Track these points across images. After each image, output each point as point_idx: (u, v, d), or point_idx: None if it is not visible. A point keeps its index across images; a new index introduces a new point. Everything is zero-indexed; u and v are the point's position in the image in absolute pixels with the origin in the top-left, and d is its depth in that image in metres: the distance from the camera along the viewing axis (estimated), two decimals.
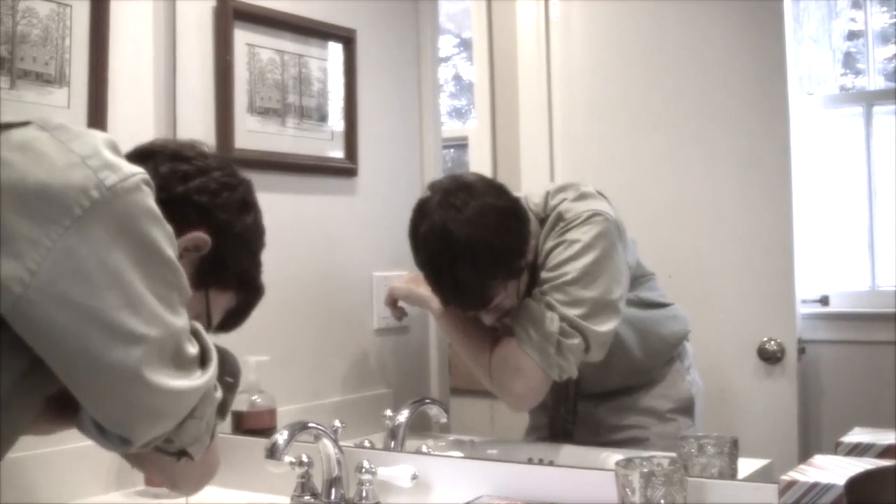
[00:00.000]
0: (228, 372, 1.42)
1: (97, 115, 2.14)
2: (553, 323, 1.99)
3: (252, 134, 2.36)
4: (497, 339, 2.10)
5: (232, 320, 1.63)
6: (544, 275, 2.05)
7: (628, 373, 2.13)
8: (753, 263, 2.23)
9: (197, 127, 2.32)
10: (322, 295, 2.49)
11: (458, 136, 2.87)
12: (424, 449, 2.21)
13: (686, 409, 2.17)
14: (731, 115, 2.24)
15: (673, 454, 1.76)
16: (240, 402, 2.22)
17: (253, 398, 2.20)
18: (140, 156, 1.45)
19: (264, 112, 2.39)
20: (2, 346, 1.17)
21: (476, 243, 1.97)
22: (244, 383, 2.20)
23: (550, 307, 2.00)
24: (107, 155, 1.19)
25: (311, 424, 1.90)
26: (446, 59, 2.88)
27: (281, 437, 1.84)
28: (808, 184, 2.25)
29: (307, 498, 1.96)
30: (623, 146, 2.35)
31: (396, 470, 1.90)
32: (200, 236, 1.47)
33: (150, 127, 2.30)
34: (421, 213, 2.06)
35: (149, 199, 1.20)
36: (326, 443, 1.93)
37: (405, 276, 2.33)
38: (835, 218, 2.29)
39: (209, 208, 1.50)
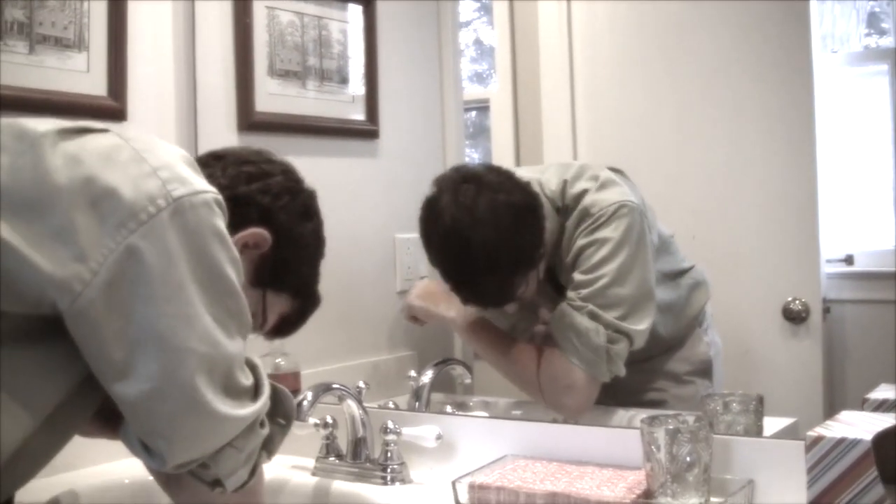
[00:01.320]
0: (282, 413, 1.42)
1: (117, 80, 2.13)
2: (599, 335, 1.97)
3: (272, 97, 2.35)
4: (534, 350, 2.09)
5: (286, 327, 1.63)
6: (578, 277, 2.02)
7: (649, 343, 2.12)
8: (778, 223, 2.22)
9: (217, 90, 2.31)
10: (345, 257, 2.48)
11: (479, 99, 2.86)
12: (448, 409, 2.22)
13: (704, 371, 2.17)
14: (754, 73, 2.23)
15: (698, 412, 1.76)
16: (264, 366, 2.23)
17: (277, 361, 2.21)
18: (212, 158, 1.52)
19: (284, 75, 2.38)
20: (59, 356, 1.19)
21: (494, 248, 1.95)
22: (268, 346, 2.22)
23: (594, 317, 1.98)
24: (179, 169, 1.21)
25: (335, 385, 1.90)
26: (466, 24, 2.87)
27: (305, 398, 1.84)
28: (833, 142, 2.24)
29: (332, 459, 1.96)
30: (646, 107, 2.34)
31: (421, 430, 1.91)
32: (261, 232, 1.48)
33: (171, 91, 2.30)
34: (431, 214, 2.03)
35: (217, 219, 1.22)
36: (351, 404, 1.93)
37: (420, 286, 2.34)
38: (859, 177, 2.28)
39: (270, 209, 1.51)
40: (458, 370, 2.32)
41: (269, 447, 1.38)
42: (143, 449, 1.26)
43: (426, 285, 2.31)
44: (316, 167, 2.39)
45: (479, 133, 2.92)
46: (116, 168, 1.17)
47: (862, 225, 2.26)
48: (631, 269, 2.00)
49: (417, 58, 2.69)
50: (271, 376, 2.19)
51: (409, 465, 1.90)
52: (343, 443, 1.96)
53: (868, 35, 2.39)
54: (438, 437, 1.89)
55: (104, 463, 2.06)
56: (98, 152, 1.19)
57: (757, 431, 1.81)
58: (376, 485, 1.88)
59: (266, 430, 1.34)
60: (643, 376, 2.17)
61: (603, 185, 2.06)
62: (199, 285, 1.19)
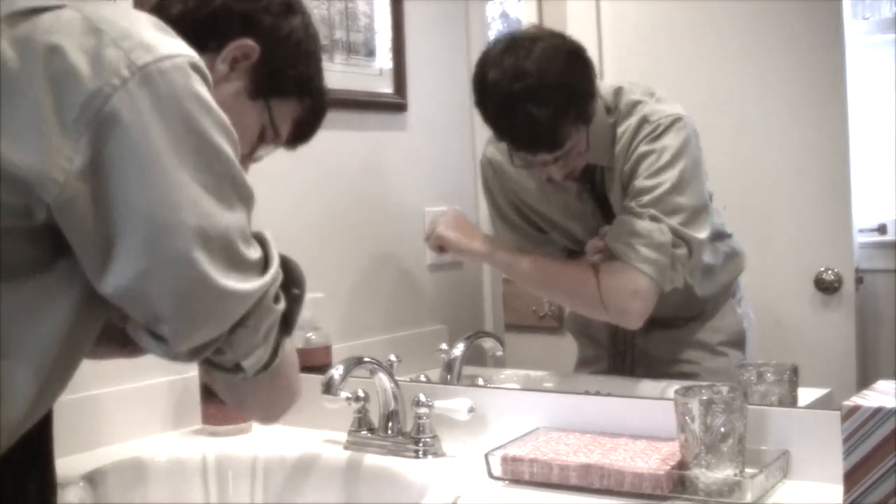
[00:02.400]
0: (295, 282, 1.32)
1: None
2: (664, 234, 1.97)
3: None
4: (587, 264, 2.08)
5: (303, 130, 1.58)
6: (640, 183, 2.01)
7: (681, 304, 2.11)
8: (810, 193, 2.20)
9: None
10: (374, 231, 2.48)
11: None
12: (480, 382, 2.21)
13: (737, 342, 2.16)
14: (785, 42, 2.21)
15: (732, 383, 1.75)
16: (295, 340, 2.23)
17: (308, 335, 2.21)
18: None
19: None
20: (58, 272, 1.13)
21: (549, 78, 1.94)
22: (300, 320, 2.22)
23: (656, 219, 1.98)
24: (143, 35, 1.11)
25: (366, 359, 1.90)
26: None
27: (336, 372, 1.84)
28: (865, 110, 2.22)
29: (364, 432, 1.96)
30: (676, 77, 2.32)
31: (453, 403, 1.90)
32: (246, 43, 1.43)
33: None
34: (486, 62, 2.01)
35: (194, 82, 1.12)
36: (382, 377, 1.93)
37: (449, 216, 2.29)
38: (891, 144, 2.26)
39: (251, 14, 1.45)
40: (490, 343, 2.32)
41: (287, 322, 1.30)
42: (152, 338, 1.19)
43: (455, 216, 2.27)
44: (344, 141, 2.40)
45: None
46: (72, 44, 1.07)
47: (895, 194, 2.24)
48: (691, 178, 2.01)
49: (444, 30, 2.68)
50: (303, 352, 2.23)
51: (441, 438, 1.90)
52: (375, 416, 1.96)
53: None
54: (471, 410, 1.89)
55: (138, 438, 2.07)
56: (51, 31, 1.08)
57: (791, 402, 1.80)
58: (409, 458, 1.88)
59: (282, 305, 1.27)
60: (675, 346, 2.17)
61: (659, 100, 2.07)
62: (180, 154, 1.10)
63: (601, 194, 2.14)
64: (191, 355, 1.21)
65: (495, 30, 2.80)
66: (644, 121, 2.04)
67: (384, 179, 2.49)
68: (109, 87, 1.06)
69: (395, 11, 2.54)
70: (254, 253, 1.20)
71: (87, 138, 1.05)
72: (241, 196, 1.18)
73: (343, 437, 1.98)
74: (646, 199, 1.99)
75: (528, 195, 2.23)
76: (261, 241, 1.24)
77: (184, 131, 1.10)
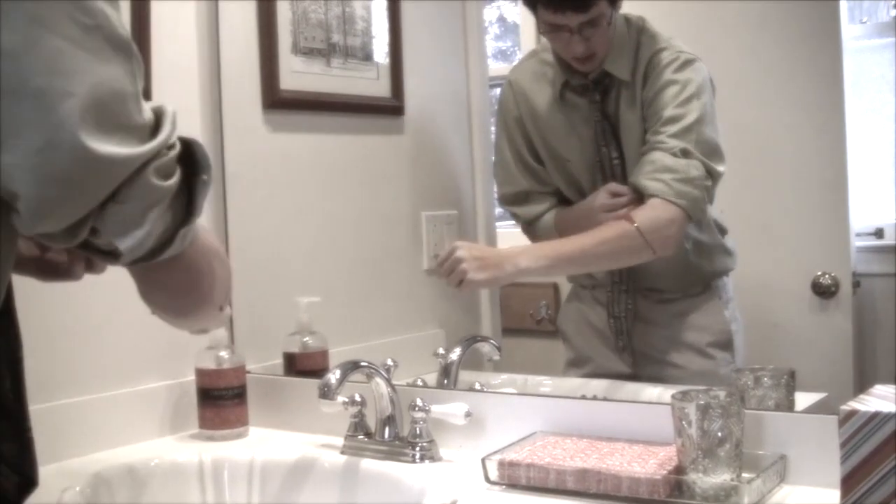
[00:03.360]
0: (203, 166, 1.13)
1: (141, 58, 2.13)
2: (698, 168, 2.02)
3: (297, 74, 2.35)
4: (618, 218, 2.08)
5: None
6: (668, 112, 2.06)
7: (671, 275, 2.16)
8: (806, 196, 2.20)
9: (241, 68, 2.31)
10: (372, 235, 2.48)
11: (504, 76, 2.85)
12: (477, 386, 2.21)
13: (724, 343, 2.16)
14: (782, 44, 2.21)
15: (729, 387, 1.75)
16: (292, 344, 2.23)
17: (305, 339, 2.21)
18: None
19: (309, 52, 2.37)
20: None
21: None
22: (296, 324, 2.22)
23: (687, 154, 2.02)
24: None
25: (363, 363, 1.90)
26: (490, 1, 2.85)
27: (333, 376, 1.84)
28: (862, 113, 2.22)
29: (361, 437, 1.96)
30: None
31: (450, 407, 1.90)
32: None
33: (195, 69, 2.30)
34: None
35: None
36: (379, 381, 1.92)
37: (466, 255, 2.15)
38: (889, 148, 2.26)
39: None
40: (487, 347, 2.32)
41: (188, 211, 1.12)
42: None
43: (472, 254, 2.17)
44: (341, 144, 2.41)
45: None
46: None
47: (892, 198, 2.24)
48: (712, 114, 2.07)
49: (442, 34, 2.68)
50: (300, 356, 2.22)
51: (438, 442, 1.90)
52: (372, 421, 1.96)
53: None
54: (468, 415, 1.88)
55: (135, 442, 2.07)
56: None
57: (788, 406, 1.80)
58: (406, 462, 1.88)
59: (172, 183, 1.08)
60: (663, 345, 2.17)
61: (673, 38, 2.15)
62: (32, 13, 0.96)
63: (611, 115, 2.17)
64: (66, 237, 1.05)
65: (492, 34, 2.80)
66: (665, 48, 2.11)
67: (382, 183, 2.49)
68: None
69: (392, 15, 2.54)
70: (137, 116, 1.04)
71: None
72: (118, 48, 1.03)
73: (340, 441, 1.98)
74: (674, 128, 2.04)
75: (539, 118, 2.27)
76: (158, 111, 1.08)
77: None
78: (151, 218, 1.07)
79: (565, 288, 2.39)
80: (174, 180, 1.08)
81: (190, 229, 1.13)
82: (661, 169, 2.02)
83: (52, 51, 0.97)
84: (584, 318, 2.28)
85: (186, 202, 1.12)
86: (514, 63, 2.37)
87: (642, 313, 2.20)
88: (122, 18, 1.04)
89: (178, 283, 1.21)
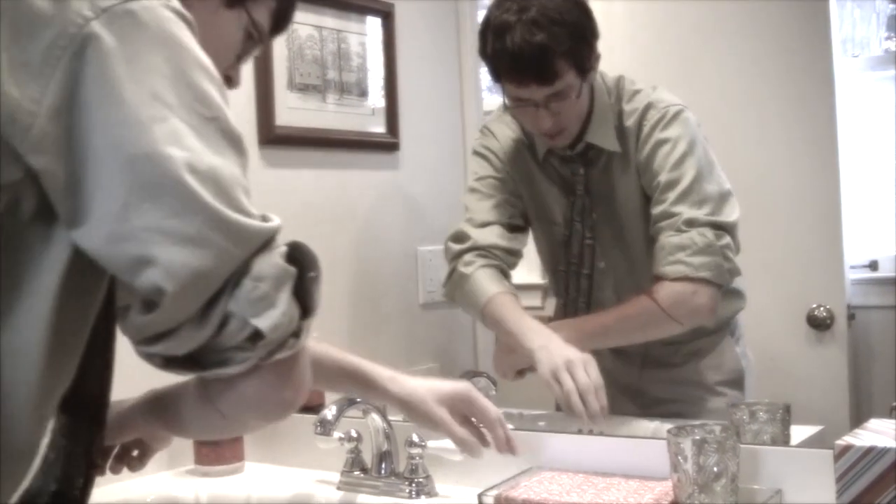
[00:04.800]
0: (311, 264, 1.10)
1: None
2: (705, 235, 1.96)
3: (293, 111, 2.36)
4: (641, 295, 2.03)
5: (280, 20, 1.50)
6: (663, 177, 2.01)
7: (680, 338, 2.10)
8: (801, 229, 2.21)
9: (237, 104, 2.29)
10: (367, 270, 2.49)
11: None
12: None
13: (736, 381, 2.15)
14: (775, 78, 2.23)
15: (725, 422, 1.75)
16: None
17: None
18: None
19: (304, 88, 2.38)
20: (38, 239, 1.03)
21: (549, 12, 1.94)
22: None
23: (691, 223, 1.97)
24: None
25: (359, 399, 1.90)
26: None
27: (329, 412, 1.84)
28: (855, 147, 2.23)
29: (357, 473, 1.96)
30: None
31: (447, 443, 1.89)
32: None
33: None
34: (495, 3, 2.02)
35: (166, 22, 1.04)
36: (375, 417, 1.92)
37: (501, 361, 2.19)
38: (883, 181, 2.27)
39: None
40: (483, 382, 2.31)
41: (305, 307, 1.07)
42: (141, 307, 1.02)
43: (502, 359, 2.19)
44: (337, 180, 2.41)
45: None
46: None
47: (886, 230, 2.25)
48: (710, 165, 2.02)
49: (437, 69, 2.69)
50: None
51: (434, 478, 1.90)
52: (368, 456, 1.95)
53: (888, 38, 2.39)
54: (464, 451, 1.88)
55: (130, 478, 2.06)
56: None
57: (784, 440, 1.80)
58: (402, 498, 1.87)
59: (293, 270, 1.06)
60: (674, 385, 2.16)
61: (656, 89, 2.10)
62: (156, 92, 1.00)
63: (599, 188, 2.13)
64: (178, 304, 1.00)
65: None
66: (650, 106, 2.06)
67: (376, 218, 2.50)
68: (74, 26, 0.99)
69: (387, 52, 2.55)
70: (249, 206, 1.04)
71: (56, 78, 0.98)
72: (231, 142, 1.06)
73: (336, 477, 1.97)
74: (673, 194, 1.99)
75: (527, 181, 2.22)
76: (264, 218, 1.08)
77: (157, 70, 1.02)
78: (283, 300, 1.04)
79: None
80: (293, 268, 1.06)
81: (309, 325, 1.09)
82: (672, 251, 1.97)
83: (176, 130, 1.00)
84: None
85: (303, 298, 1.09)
86: (492, 115, 2.31)
87: (653, 354, 2.17)
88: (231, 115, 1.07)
89: (289, 384, 1.12)
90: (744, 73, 2.26)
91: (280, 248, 1.05)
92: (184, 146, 1.00)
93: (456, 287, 2.18)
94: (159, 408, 1.36)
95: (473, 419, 1.75)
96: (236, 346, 1.03)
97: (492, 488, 1.71)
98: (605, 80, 2.11)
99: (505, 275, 2.17)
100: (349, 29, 2.48)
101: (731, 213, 2.00)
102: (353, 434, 1.96)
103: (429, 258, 2.55)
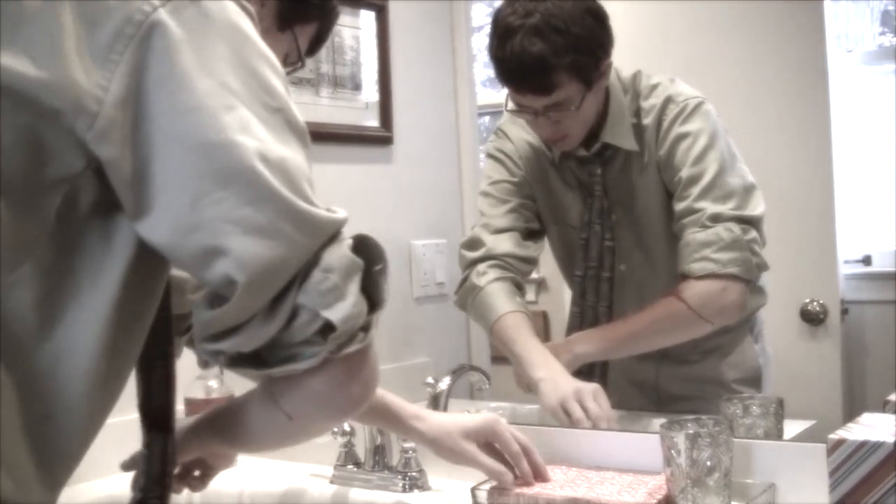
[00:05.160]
0: (377, 256, 1.09)
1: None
2: (732, 230, 1.94)
3: None
4: (666, 297, 2.01)
5: (317, 45, 1.58)
6: (686, 173, 1.98)
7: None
8: (794, 224, 2.21)
9: None
10: None
11: (493, 104, 2.86)
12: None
13: (753, 379, 2.13)
14: (769, 74, 2.23)
15: (718, 416, 1.75)
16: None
17: None
18: None
19: (297, 82, 2.37)
20: (105, 234, 1.02)
21: (555, 20, 1.91)
22: None
23: (715, 219, 1.94)
24: None
25: None
26: (479, 29, 2.86)
27: None
28: (849, 142, 2.23)
29: (350, 467, 1.95)
30: None
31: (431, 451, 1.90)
32: None
33: None
34: (500, 8, 2.00)
35: (231, 13, 1.04)
36: None
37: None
38: (876, 176, 2.27)
39: None
40: (476, 376, 2.31)
41: (373, 294, 1.06)
42: (210, 301, 1.01)
43: (522, 374, 2.08)
44: (330, 174, 2.41)
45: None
46: None
47: (880, 225, 2.26)
48: (731, 159, 1.99)
49: (430, 63, 2.69)
50: None
51: (427, 472, 1.89)
52: (361, 451, 1.95)
53: (882, 34, 2.39)
54: None
55: (120, 473, 2.05)
56: None
57: (777, 434, 1.80)
58: (395, 492, 1.87)
59: (361, 262, 1.05)
60: (690, 383, 2.14)
61: (674, 81, 2.07)
62: (225, 82, 1.00)
63: (617, 187, 2.11)
64: (251, 293, 0.98)
65: (481, 62, 2.82)
66: (669, 101, 2.03)
67: (370, 212, 2.49)
68: (141, 13, 0.98)
69: (381, 45, 2.55)
70: (314, 197, 1.04)
71: (123, 66, 0.97)
72: (297, 133, 1.05)
73: (329, 471, 1.97)
74: (696, 189, 1.97)
75: (543, 183, 2.20)
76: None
77: (224, 59, 1.01)
78: (353, 291, 1.02)
79: (554, 317, 2.40)
80: (361, 260, 1.05)
81: (377, 318, 1.08)
82: (698, 247, 1.95)
83: (245, 118, 0.99)
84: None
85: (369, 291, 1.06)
86: (505, 116, 2.25)
87: (671, 351, 2.12)
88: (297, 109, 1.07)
89: (358, 380, 1.10)
90: (738, 68, 2.26)
91: (347, 240, 1.05)
92: (254, 135, 0.99)
93: (467, 297, 2.17)
94: (220, 423, 1.35)
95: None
96: (305, 341, 1.01)
97: (485, 482, 1.71)
98: (621, 77, 2.08)
99: (519, 287, 2.15)
100: (343, 23, 2.47)
101: (756, 207, 1.97)
102: (347, 428, 1.96)
103: (422, 252, 2.55)
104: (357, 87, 2.51)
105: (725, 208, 1.95)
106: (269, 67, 1.05)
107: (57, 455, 1.05)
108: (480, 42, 2.83)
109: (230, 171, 0.98)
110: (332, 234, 1.03)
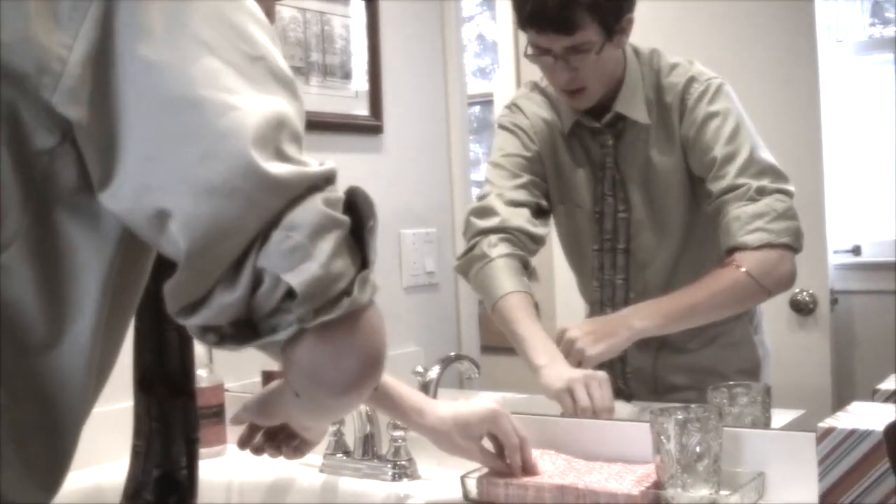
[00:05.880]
0: (367, 213, 1.00)
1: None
2: (782, 201, 1.94)
3: None
4: (720, 269, 1.97)
5: None
6: (719, 151, 1.97)
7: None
8: None
9: None
10: None
11: (483, 93, 2.86)
12: None
13: (752, 371, 2.13)
14: (759, 64, 2.23)
15: (706, 404, 1.75)
16: (271, 362, 2.22)
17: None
18: None
19: None
20: (82, 226, 0.96)
21: None
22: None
23: (762, 192, 1.94)
24: None
25: None
26: (469, 19, 2.86)
27: None
28: (839, 132, 2.23)
29: (340, 456, 1.95)
30: None
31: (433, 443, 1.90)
32: None
33: None
34: None
35: None
36: None
37: (584, 328, 2.02)
38: (866, 166, 2.28)
39: None
40: (465, 365, 2.31)
41: (357, 248, 0.97)
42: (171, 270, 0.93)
43: (584, 330, 2.00)
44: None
45: (484, 128, 2.92)
46: None
47: (869, 215, 2.26)
48: (758, 138, 2.00)
49: (420, 53, 2.69)
50: (279, 374, 2.21)
51: (417, 460, 1.89)
52: (350, 439, 1.95)
53: (872, 25, 2.39)
54: None
55: (106, 462, 2.05)
56: None
57: (765, 423, 1.80)
58: (385, 481, 1.87)
59: (344, 217, 0.95)
60: (690, 373, 2.12)
61: (693, 63, 2.07)
62: (191, 32, 0.92)
63: (630, 161, 2.10)
64: (200, 259, 0.91)
65: (472, 52, 2.82)
66: (692, 80, 2.03)
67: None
68: None
69: (371, 34, 2.54)
70: (297, 153, 0.95)
71: (89, 21, 0.91)
72: (281, 82, 0.97)
73: (319, 460, 1.97)
74: (734, 168, 1.96)
75: (554, 158, 2.18)
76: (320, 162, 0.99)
77: (195, 9, 0.94)
78: (323, 250, 0.91)
79: (545, 305, 2.39)
80: (344, 217, 0.95)
81: (368, 278, 0.97)
82: (750, 219, 1.93)
83: (214, 70, 0.92)
84: None
85: (359, 253, 0.97)
86: (518, 92, 2.25)
87: (670, 339, 2.10)
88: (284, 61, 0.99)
89: (348, 351, 0.98)
90: (728, 58, 2.25)
91: (327, 195, 0.94)
92: (219, 86, 0.91)
93: (473, 265, 2.14)
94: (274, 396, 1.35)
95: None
96: (277, 309, 0.91)
97: (475, 471, 1.71)
98: (639, 52, 2.08)
99: (526, 266, 2.13)
100: (333, 11, 2.47)
101: (788, 181, 1.97)
102: None
103: (412, 241, 2.55)
104: (347, 75, 2.51)
105: (767, 182, 1.94)
106: (250, 17, 0.97)
107: (58, 452, 1.03)
108: (470, 32, 2.84)
109: (184, 126, 0.91)
110: (303, 189, 0.92)
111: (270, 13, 1.17)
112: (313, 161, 0.97)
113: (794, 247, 1.95)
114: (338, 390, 1.00)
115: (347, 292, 0.93)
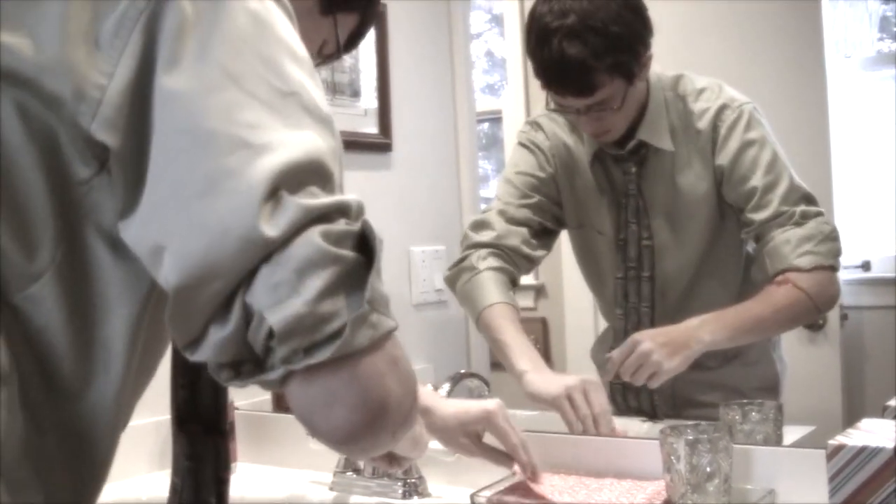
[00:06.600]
0: (375, 246, 0.94)
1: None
2: (827, 223, 1.97)
3: None
4: (776, 287, 1.98)
5: (355, 39, 1.52)
6: (759, 182, 1.98)
7: None
8: None
9: None
10: None
11: (492, 110, 2.86)
12: None
13: (771, 388, 2.12)
14: (767, 79, 2.22)
15: (717, 422, 1.75)
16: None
17: None
18: None
19: None
20: (108, 273, 0.96)
21: (591, 20, 1.88)
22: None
23: (805, 216, 1.96)
24: None
25: None
26: (478, 36, 2.87)
27: None
28: (848, 147, 2.23)
29: (349, 473, 1.95)
30: None
31: (439, 444, 1.90)
32: None
33: None
34: (535, 5, 1.97)
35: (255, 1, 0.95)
36: None
37: (658, 340, 1.98)
38: (875, 181, 2.27)
39: None
40: (475, 383, 2.30)
41: (364, 291, 0.90)
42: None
43: (658, 342, 1.96)
44: None
45: (492, 144, 2.92)
46: None
47: (878, 230, 2.25)
48: (788, 165, 2.00)
49: (429, 70, 2.69)
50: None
51: (427, 478, 1.89)
52: None
53: (881, 39, 2.39)
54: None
55: (123, 479, 2.06)
56: None
57: (777, 440, 1.80)
58: (394, 499, 1.87)
59: (343, 253, 0.89)
60: (708, 389, 2.10)
61: (722, 86, 2.06)
62: (220, 63, 0.90)
63: (653, 188, 2.09)
64: (221, 318, 0.87)
65: (480, 69, 2.82)
66: (725, 107, 2.02)
67: (370, 219, 2.49)
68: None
69: (380, 52, 2.55)
70: (318, 191, 0.91)
71: (131, 48, 0.90)
72: (316, 118, 0.94)
73: (329, 477, 1.97)
74: (777, 197, 1.97)
75: (574, 181, 2.17)
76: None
77: (231, 42, 0.91)
78: (311, 287, 0.85)
79: (553, 322, 2.39)
80: (346, 252, 0.89)
81: (367, 319, 0.89)
82: (800, 242, 1.95)
83: (235, 103, 0.89)
84: None
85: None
86: (541, 111, 2.20)
87: (680, 380, 2.04)
88: (324, 100, 0.97)
89: (340, 399, 0.90)
90: (736, 73, 2.25)
91: (330, 227, 0.89)
92: (236, 121, 0.88)
93: (461, 276, 2.16)
94: None
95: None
96: (266, 348, 0.87)
97: (484, 489, 1.71)
98: (662, 77, 2.07)
99: (514, 283, 2.15)
100: None
101: (818, 203, 1.99)
102: None
103: (421, 258, 2.55)
104: (356, 93, 2.51)
105: (809, 208, 1.97)
106: (286, 52, 0.95)
107: (85, 482, 1.02)
108: (479, 49, 2.84)
109: (190, 159, 0.88)
110: (300, 224, 0.87)
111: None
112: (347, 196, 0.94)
113: (836, 268, 1.97)
114: (334, 440, 0.93)
115: (339, 334, 0.86)
